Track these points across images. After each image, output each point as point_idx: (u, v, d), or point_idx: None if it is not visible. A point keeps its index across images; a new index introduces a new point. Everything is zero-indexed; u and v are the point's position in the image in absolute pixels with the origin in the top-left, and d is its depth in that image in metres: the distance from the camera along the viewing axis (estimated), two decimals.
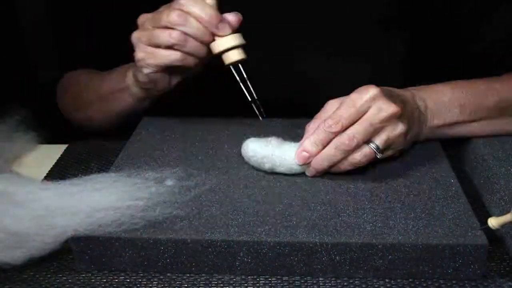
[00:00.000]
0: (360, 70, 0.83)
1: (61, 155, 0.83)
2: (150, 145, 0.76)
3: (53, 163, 0.81)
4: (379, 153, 0.66)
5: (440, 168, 0.70)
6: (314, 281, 0.58)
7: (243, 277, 0.59)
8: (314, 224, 0.59)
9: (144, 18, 0.74)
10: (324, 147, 0.66)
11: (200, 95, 0.86)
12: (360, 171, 0.69)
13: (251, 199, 0.64)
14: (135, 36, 0.73)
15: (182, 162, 0.72)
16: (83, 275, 0.60)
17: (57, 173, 0.79)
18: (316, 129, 0.66)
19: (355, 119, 0.65)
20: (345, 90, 0.69)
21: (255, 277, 0.59)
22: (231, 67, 0.73)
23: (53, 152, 0.84)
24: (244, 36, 0.73)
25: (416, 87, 0.76)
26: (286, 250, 0.57)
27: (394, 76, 0.84)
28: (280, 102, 0.75)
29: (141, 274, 0.60)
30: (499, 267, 0.60)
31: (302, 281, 0.58)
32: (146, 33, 0.72)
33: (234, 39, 0.71)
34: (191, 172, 0.69)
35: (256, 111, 0.74)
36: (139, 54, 0.73)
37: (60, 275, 0.59)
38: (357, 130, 0.65)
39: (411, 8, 0.85)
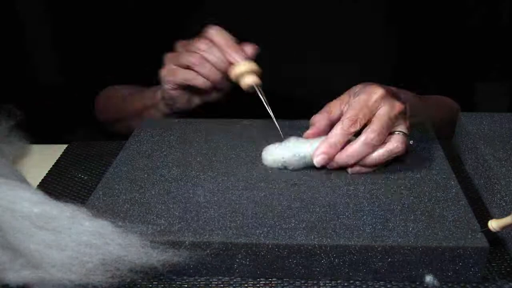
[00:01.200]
0: (355, 73, 0.84)
1: (61, 155, 0.83)
2: (149, 146, 0.76)
3: (53, 163, 0.81)
4: (409, 138, 0.69)
5: (440, 170, 0.69)
6: (315, 282, 0.58)
7: (242, 278, 0.59)
8: (313, 226, 0.59)
9: (179, 44, 0.82)
10: (342, 148, 0.67)
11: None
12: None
13: (250, 201, 0.63)
14: (167, 56, 0.82)
15: (181, 163, 0.71)
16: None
17: (57, 173, 0.79)
18: (332, 131, 0.68)
19: (370, 118, 0.67)
20: (341, 92, 0.72)
21: (255, 278, 0.59)
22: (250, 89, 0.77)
23: (53, 152, 0.84)
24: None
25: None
26: (285, 253, 0.57)
27: (385, 78, 0.87)
28: (278, 104, 0.76)
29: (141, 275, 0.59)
30: (500, 268, 0.60)
31: (303, 281, 0.58)
32: (174, 54, 0.81)
33: (248, 65, 0.76)
34: (189, 173, 0.69)
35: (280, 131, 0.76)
36: (163, 71, 0.82)
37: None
38: (381, 125, 0.66)
39: (402, 13, 0.90)
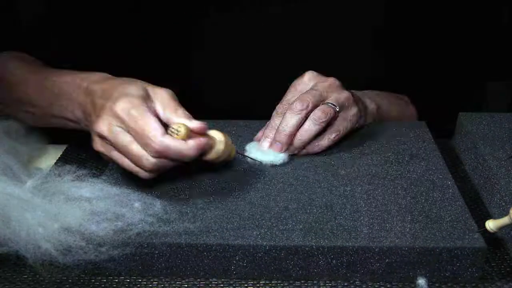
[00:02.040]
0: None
1: (61, 155, 0.83)
2: None
3: (53, 163, 0.81)
4: (335, 107, 0.73)
5: (437, 170, 0.69)
6: (313, 283, 0.58)
7: (242, 279, 0.59)
8: (310, 227, 0.59)
9: (107, 133, 0.64)
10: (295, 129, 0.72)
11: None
12: (356, 173, 0.69)
13: (247, 202, 0.63)
14: (98, 148, 0.67)
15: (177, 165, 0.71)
16: (83, 275, 0.60)
17: (56, 174, 0.79)
18: (270, 119, 0.74)
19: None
20: None
21: (253, 279, 0.59)
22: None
23: (53, 152, 0.84)
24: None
25: None
26: (282, 254, 0.57)
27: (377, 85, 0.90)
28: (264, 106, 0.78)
29: (140, 276, 0.60)
30: (500, 268, 0.60)
31: (301, 281, 0.58)
32: (109, 156, 0.66)
33: (217, 152, 0.65)
34: (186, 175, 0.69)
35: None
36: (104, 157, 0.68)
37: (60, 275, 0.59)
38: (305, 95, 0.72)
39: (397, 25, 0.90)
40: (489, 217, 0.66)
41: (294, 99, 0.73)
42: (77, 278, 0.59)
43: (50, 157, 0.83)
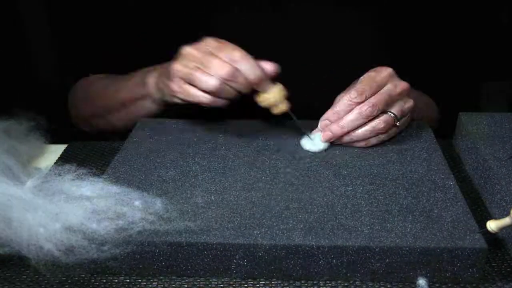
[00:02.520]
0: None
1: (61, 155, 0.83)
2: (146, 146, 0.76)
3: (53, 163, 0.81)
4: (397, 121, 0.74)
5: (439, 170, 0.69)
6: (314, 282, 0.58)
7: (241, 279, 0.59)
8: (311, 226, 0.59)
9: (188, 52, 0.73)
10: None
11: None
12: (357, 173, 0.69)
13: (247, 202, 0.63)
14: (175, 68, 0.73)
15: (178, 163, 0.71)
16: (83, 275, 0.59)
17: (56, 173, 0.78)
18: (338, 101, 0.73)
19: (375, 92, 0.72)
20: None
21: (253, 279, 0.59)
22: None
23: (53, 152, 0.84)
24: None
25: None
26: (283, 253, 0.57)
27: None
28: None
29: (140, 275, 0.59)
30: (500, 268, 0.60)
31: (302, 281, 0.58)
32: (186, 71, 0.72)
33: (276, 95, 0.74)
34: (186, 174, 0.69)
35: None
36: (174, 87, 0.74)
37: (60, 276, 0.59)
38: (378, 100, 0.71)
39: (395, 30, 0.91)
40: (490, 217, 0.66)
41: (369, 91, 0.72)
42: (76, 278, 0.59)
43: (50, 156, 0.83)
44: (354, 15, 0.89)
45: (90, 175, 0.65)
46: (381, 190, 0.65)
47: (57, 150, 0.84)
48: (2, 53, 0.91)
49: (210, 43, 0.72)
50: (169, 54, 0.77)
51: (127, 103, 0.87)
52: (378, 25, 0.89)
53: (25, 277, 0.59)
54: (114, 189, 0.62)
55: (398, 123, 0.74)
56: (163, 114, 0.86)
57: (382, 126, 0.72)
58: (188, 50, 0.73)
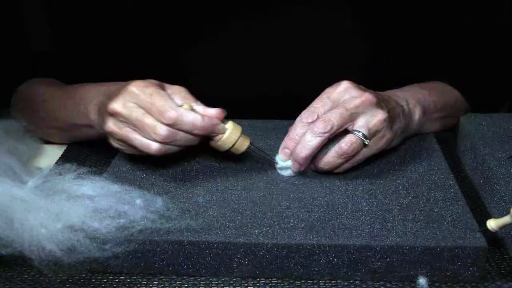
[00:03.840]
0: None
1: (61, 155, 0.83)
2: None
3: (53, 163, 0.81)
4: (365, 139, 0.67)
5: (439, 170, 0.69)
6: (314, 282, 0.58)
7: (242, 278, 0.59)
8: (312, 226, 0.59)
9: (121, 110, 0.65)
10: None
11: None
12: (358, 172, 0.69)
13: (249, 201, 0.64)
14: (110, 127, 0.67)
15: (180, 163, 0.72)
16: (84, 275, 0.59)
17: (57, 173, 0.79)
18: (293, 125, 0.68)
19: (331, 108, 0.67)
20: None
21: (254, 278, 0.59)
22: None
23: (53, 152, 0.84)
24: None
25: (388, 91, 0.78)
26: (284, 252, 0.57)
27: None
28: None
29: (141, 274, 0.59)
30: (499, 267, 0.60)
31: (302, 281, 0.58)
32: (121, 133, 0.66)
33: (232, 135, 0.68)
34: (188, 173, 0.69)
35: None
36: (114, 144, 0.69)
37: (61, 275, 0.59)
38: (332, 114, 0.66)
39: (374, 19, 0.88)
40: (489, 217, 0.66)
41: (322, 109, 0.67)
42: (77, 277, 0.59)
43: (50, 156, 0.83)
44: (344, 15, 0.88)
45: (91, 174, 0.66)
46: (381, 190, 0.65)
47: (58, 149, 0.84)
48: (2, 53, 0.92)
49: (142, 100, 0.65)
50: (166, 58, 0.77)
51: (67, 128, 0.82)
52: (369, 24, 0.88)
53: (26, 276, 0.59)
54: (115, 187, 0.63)
55: (366, 142, 0.67)
56: None
57: (346, 148, 0.66)
58: (120, 108, 0.66)
